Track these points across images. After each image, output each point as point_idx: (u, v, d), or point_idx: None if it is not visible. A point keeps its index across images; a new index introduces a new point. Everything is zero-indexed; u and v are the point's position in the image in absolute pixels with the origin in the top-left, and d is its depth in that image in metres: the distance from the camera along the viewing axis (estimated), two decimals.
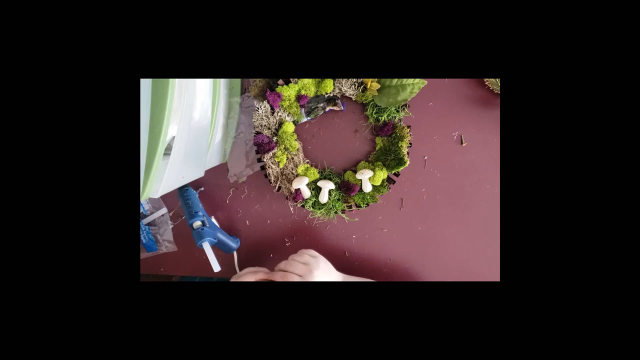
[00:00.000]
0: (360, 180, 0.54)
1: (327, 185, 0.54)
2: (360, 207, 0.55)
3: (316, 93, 0.53)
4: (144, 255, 0.62)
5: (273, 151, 0.54)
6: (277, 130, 0.55)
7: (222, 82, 0.51)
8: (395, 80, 0.50)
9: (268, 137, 0.54)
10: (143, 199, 0.38)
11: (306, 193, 0.54)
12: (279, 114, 0.54)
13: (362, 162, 0.56)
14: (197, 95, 0.43)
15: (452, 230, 0.57)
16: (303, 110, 0.54)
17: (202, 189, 0.60)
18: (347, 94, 0.53)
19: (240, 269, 0.61)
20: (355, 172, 0.55)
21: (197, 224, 0.50)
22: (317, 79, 0.52)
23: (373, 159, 0.55)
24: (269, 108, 0.54)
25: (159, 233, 0.61)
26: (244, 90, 0.56)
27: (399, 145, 0.52)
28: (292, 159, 0.55)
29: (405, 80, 0.50)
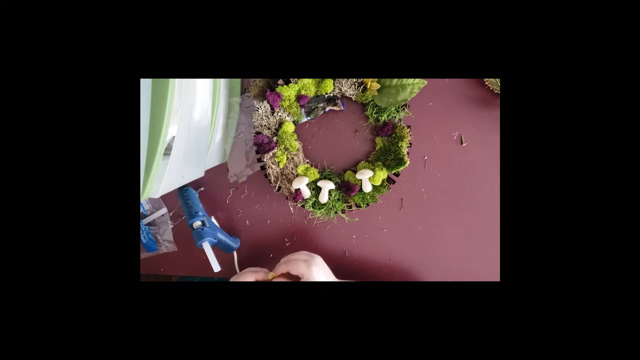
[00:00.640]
0: (360, 180, 0.54)
1: (327, 185, 0.54)
2: (360, 207, 0.55)
3: (316, 93, 0.53)
4: (144, 255, 0.62)
5: (273, 151, 0.54)
6: (277, 130, 0.55)
7: (222, 82, 0.51)
8: (395, 80, 0.50)
9: (268, 137, 0.54)
10: (143, 199, 0.38)
11: (306, 193, 0.55)
12: (279, 114, 0.54)
13: (362, 162, 0.56)
14: (197, 95, 0.43)
15: (452, 230, 0.57)
16: (303, 110, 0.54)
17: (202, 189, 0.60)
18: (347, 94, 0.53)
19: (241, 269, 0.61)
20: (355, 172, 0.55)
21: (197, 224, 0.50)
22: (317, 79, 0.52)
23: (373, 159, 0.55)
24: (269, 108, 0.54)
25: (159, 233, 0.61)
26: (244, 90, 0.56)
27: (399, 145, 0.52)
28: (292, 159, 0.55)
29: (405, 80, 0.50)
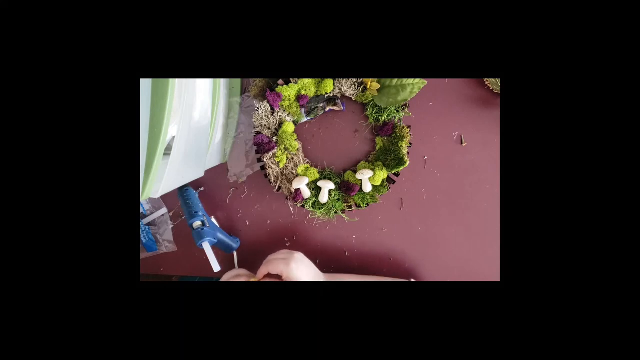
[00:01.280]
0: (360, 180, 0.54)
1: (327, 185, 0.54)
2: (360, 207, 0.55)
3: (316, 93, 0.53)
4: (144, 255, 0.62)
5: (273, 151, 0.54)
6: (277, 130, 0.55)
7: (222, 82, 0.51)
8: (395, 80, 0.50)
9: (268, 137, 0.54)
10: (143, 199, 0.38)
11: (306, 193, 0.55)
12: (279, 114, 0.54)
13: (362, 162, 0.56)
14: (197, 95, 0.43)
15: (452, 230, 0.57)
16: (303, 110, 0.54)
17: (202, 189, 0.60)
18: (347, 94, 0.53)
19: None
20: (355, 172, 0.55)
21: (197, 224, 0.50)
22: (317, 79, 0.52)
23: (373, 159, 0.55)
24: (269, 108, 0.54)
25: (159, 233, 0.61)
26: (244, 90, 0.57)
27: (399, 145, 0.52)
28: (292, 159, 0.55)
29: (405, 80, 0.50)
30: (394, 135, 0.54)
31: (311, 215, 0.59)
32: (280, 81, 0.52)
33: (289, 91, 0.52)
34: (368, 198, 0.55)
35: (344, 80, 0.52)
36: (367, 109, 0.55)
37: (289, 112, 0.54)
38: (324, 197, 0.54)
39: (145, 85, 0.35)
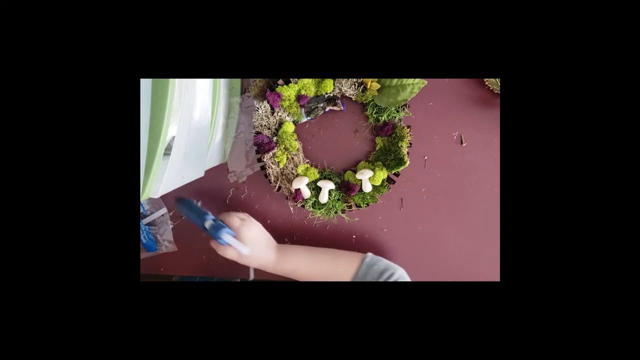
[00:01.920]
0: (360, 180, 0.54)
1: (327, 185, 0.54)
2: (360, 207, 0.55)
3: (316, 93, 0.53)
4: (144, 255, 0.62)
5: (273, 151, 0.54)
6: (277, 130, 0.55)
7: (222, 82, 0.51)
8: (395, 80, 0.50)
9: (268, 137, 0.54)
10: (143, 199, 0.38)
11: (306, 193, 0.55)
12: (279, 114, 0.54)
13: (362, 162, 0.56)
14: (197, 95, 0.43)
15: (452, 230, 0.57)
16: (303, 110, 0.54)
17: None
18: (347, 94, 0.53)
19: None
20: (355, 172, 0.55)
21: (209, 223, 0.49)
22: (317, 79, 0.52)
23: (373, 159, 0.55)
24: (269, 108, 0.54)
25: (159, 233, 0.61)
26: (244, 90, 0.57)
27: (399, 145, 0.52)
28: (292, 159, 0.55)
29: (405, 80, 0.50)
30: (394, 135, 0.54)
31: (311, 215, 0.59)
32: (280, 81, 0.52)
33: (289, 91, 0.52)
34: (368, 198, 0.55)
35: (344, 80, 0.52)
36: (367, 109, 0.55)
37: (289, 112, 0.54)
38: (324, 197, 0.54)
39: (145, 85, 0.35)
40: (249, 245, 0.49)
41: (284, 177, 0.55)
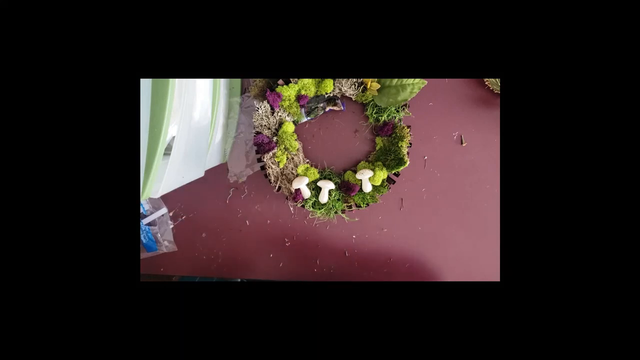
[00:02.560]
0: (360, 180, 0.54)
1: (327, 185, 0.54)
2: (360, 207, 0.55)
3: (316, 93, 0.53)
4: (144, 255, 0.62)
5: (273, 151, 0.54)
6: (277, 130, 0.55)
7: (222, 82, 0.51)
8: (395, 80, 0.50)
9: (268, 137, 0.54)
10: (143, 199, 0.38)
11: (306, 193, 0.55)
12: (279, 114, 0.54)
13: (362, 162, 0.56)
14: (197, 95, 0.43)
15: (452, 230, 0.57)
16: (303, 110, 0.54)
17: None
18: (347, 94, 0.53)
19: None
20: (355, 172, 0.55)
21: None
22: (317, 79, 0.52)
23: (373, 159, 0.55)
24: (269, 108, 0.54)
25: (159, 233, 0.61)
26: (244, 90, 0.57)
27: (399, 145, 0.52)
28: (292, 159, 0.55)
29: (405, 80, 0.50)
30: (394, 135, 0.54)
31: (311, 215, 0.59)
32: (280, 81, 0.52)
33: (289, 91, 0.52)
34: (368, 198, 0.55)
35: (344, 80, 0.52)
36: (367, 109, 0.55)
37: (289, 112, 0.54)
38: (324, 197, 0.54)
39: (145, 85, 0.35)
40: None
41: (284, 177, 0.55)
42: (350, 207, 0.56)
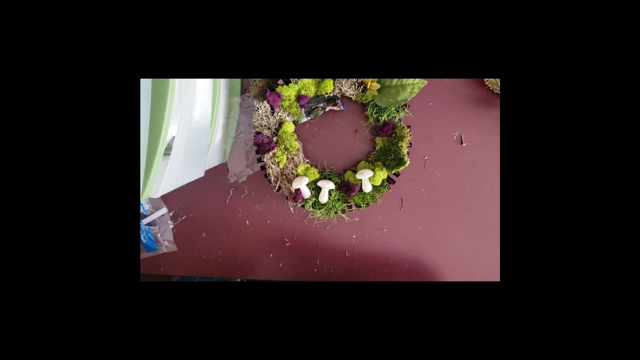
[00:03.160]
0: (360, 180, 0.54)
1: (327, 185, 0.54)
2: (360, 207, 0.55)
3: (316, 93, 0.53)
4: (144, 255, 0.62)
5: (273, 151, 0.54)
6: (277, 130, 0.55)
7: (222, 82, 0.51)
8: (395, 80, 0.50)
9: (268, 137, 0.54)
10: (143, 199, 0.38)
11: (306, 193, 0.55)
12: (279, 114, 0.54)
13: (362, 162, 0.56)
14: (197, 95, 0.43)
15: (452, 230, 0.57)
16: (303, 110, 0.54)
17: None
18: (347, 94, 0.53)
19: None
20: (355, 172, 0.55)
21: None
22: (317, 79, 0.52)
23: (373, 159, 0.55)
24: (269, 108, 0.54)
25: (159, 233, 0.61)
26: (244, 90, 0.57)
27: (399, 145, 0.52)
28: (292, 159, 0.55)
29: (405, 80, 0.50)
30: (394, 135, 0.54)
31: (311, 215, 0.59)
32: (280, 81, 0.52)
33: (289, 91, 0.52)
34: (368, 198, 0.55)
35: (344, 80, 0.52)
36: (367, 109, 0.55)
37: (289, 112, 0.54)
38: (324, 197, 0.54)
39: (145, 85, 0.35)
40: None
41: (284, 177, 0.55)
42: (350, 207, 0.56)
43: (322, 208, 0.56)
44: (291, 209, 0.60)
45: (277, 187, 0.56)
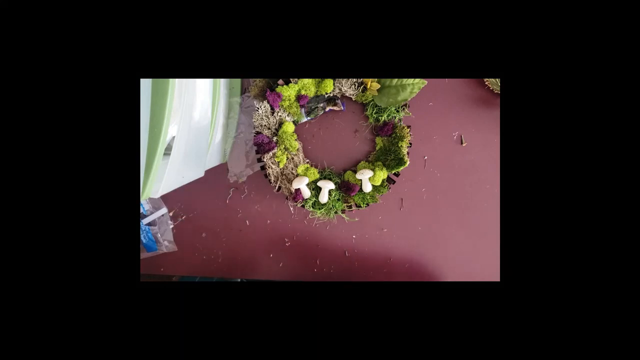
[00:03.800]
0: (360, 180, 0.54)
1: (327, 185, 0.54)
2: (360, 207, 0.55)
3: (316, 93, 0.53)
4: (144, 255, 0.62)
5: (273, 151, 0.54)
6: (277, 130, 0.55)
7: (222, 82, 0.51)
8: (395, 80, 0.50)
9: (268, 137, 0.54)
10: (143, 199, 0.38)
11: (306, 193, 0.55)
12: (279, 114, 0.54)
13: (362, 162, 0.56)
14: (197, 95, 0.43)
15: (452, 230, 0.57)
16: (303, 110, 0.54)
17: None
18: (347, 94, 0.53)
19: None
20: (355, 172, 0.55)
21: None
22: (317, 79, 0.52)
23: (373, 159, 0.55)
24: (269, 108, 0.54)
25: (159, 233, 0.61)
26: (244, 90, 0.57)
27: (399, 145, 0.52)
28: (292, 159, 0.55)
29: (405, 80, 0.50)
30: (394, 135, 0.54)
31: (311, 215, 0.59)
32: (280, 81, 0.52)
33: (289, 91, 0.52)
34: (368, 198, 0.55)
35: (344, 80, 0.52)
36: (367, 109, 0.55)
37: (289, 112, 0.54)
38: (324, 197, 0.54)
39: (145, 85, 0.35)
40: None
41: (284, 177, 0.55)
42: (350, 207, 0.56)
43: (322, 208, 0.56)
44: (291, 209, 0.60)
45: (277, 187, 0.56)
